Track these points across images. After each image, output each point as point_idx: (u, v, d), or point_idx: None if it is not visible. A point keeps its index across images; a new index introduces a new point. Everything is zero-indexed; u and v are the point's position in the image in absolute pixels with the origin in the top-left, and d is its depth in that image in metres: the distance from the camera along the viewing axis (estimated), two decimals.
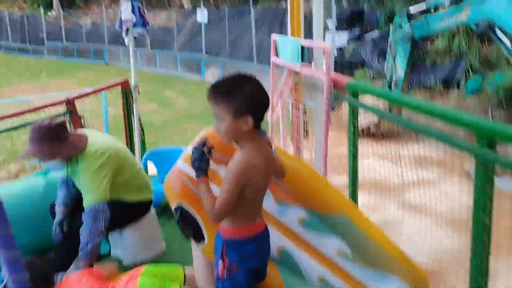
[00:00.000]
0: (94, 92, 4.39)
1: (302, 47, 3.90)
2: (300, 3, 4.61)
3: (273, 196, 2.34)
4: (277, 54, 4.65)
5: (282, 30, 13.78)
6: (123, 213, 3.12)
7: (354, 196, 3.27)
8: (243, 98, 1.77)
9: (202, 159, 1.85)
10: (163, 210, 4.02)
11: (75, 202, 2.96)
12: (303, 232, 2.40)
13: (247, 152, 1.83)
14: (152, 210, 3.41)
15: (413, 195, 5.77)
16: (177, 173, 2.26)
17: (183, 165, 2.27)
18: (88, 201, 2.75)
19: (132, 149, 4.95)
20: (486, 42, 8.81)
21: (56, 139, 2.72)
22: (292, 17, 4.76)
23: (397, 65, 7.91)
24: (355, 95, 3.21)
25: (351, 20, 11.70)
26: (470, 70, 8.63)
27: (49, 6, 24.81)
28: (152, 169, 4.64)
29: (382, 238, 2.50)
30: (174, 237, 3.64)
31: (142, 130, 5.59)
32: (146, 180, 3.23)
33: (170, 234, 3.68)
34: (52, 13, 24.44)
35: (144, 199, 3.19)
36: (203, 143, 1.88)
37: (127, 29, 4.47)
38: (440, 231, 4.96)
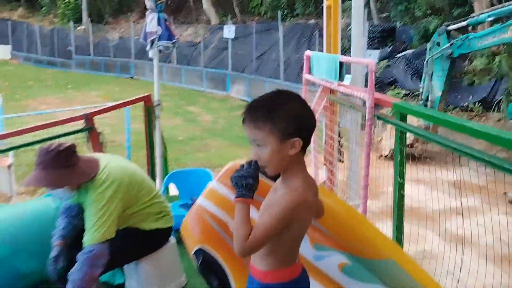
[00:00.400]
0: (114, 107, 4.12)
1: (341, 64, 3.57)
2: (338, 18, 4.30)
3: (310, 239, 1.98)
4: (310, 71, 4.35)
5: (310, 47, 13.51)
6: (139, 242, 2.81)
7: (399, 231, 2.90)
8: (289, 117, 1.48)
9: (255, 177, 1.51)
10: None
11: (75, 235, 2.65)
12: (345, 280, 2.05)
13: (300, 184, 1.52)
14: (172, 239, 3.08)
15: (454, 224, 5.35)
16: (198, 212, 1.94)
17: (205, 202, 1.94)
18: (90, 239, 2.44)
19: (153, 166, 4.66)
20: None
21: (64, 165, 2.43)
22: (328, 33, 4.46)
23: (434, 85, 7.50)
24: (403, 117, 2.85)
25: (382, 37, 11.33)
26: (511, 91, 8.15)
27: (78, 20, 25.14)
28: (173, 191, 4.33)
29: (431, 283, 2.15)
30: (195, 269, 3.31)
31: (165, 147, 5.32)
32: (165, 205, 2.91)
33: (192, 265, 3.34)
34: (81, 28, 24.75)
35: (163, 226, 2.87)
36: (255, 162, 1.54)
37: (152, 42, 4.22)
38: (485, 265, 4.53)
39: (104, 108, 4.15)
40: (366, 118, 3.02)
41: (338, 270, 2.05)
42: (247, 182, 1.50)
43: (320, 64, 4.00)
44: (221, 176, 2.05)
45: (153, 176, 4.55)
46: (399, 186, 2.85)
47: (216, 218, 1.82)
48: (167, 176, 4.16)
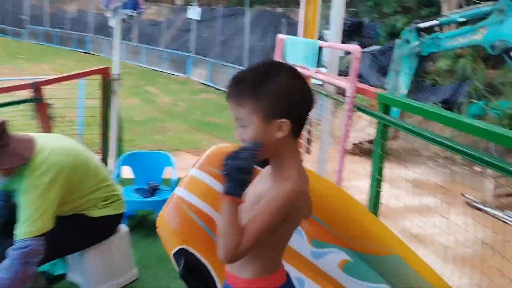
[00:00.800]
0: (68, 78, 3.73)
1: (320, 50, 3.34)
2: (317, 2, 4.08)
3: (306, 234, 1.73)
4: (282, 57, 4.11)
5: (276, 36, 13.26)
6: (85, 231, 2.50)
7: None
8: (276, 93, 1.25)
9: (250, 169, 1.21)
10: (138, 225, 3.39)
11: (8, 219, 2.30)
12: (346, 279, 1.84)
13: (294, 172, 1.28)
14: (123, 227, 2.77)
15: (412, 223, 5.30)
16: (178, 205, 1.64)
17: (185, 194, 1.65)
18: (24, 233, 2.10)
19: (106, 146, 4.29)
20: (496, 67, 8.43)
21: None
22: (306, 18, 4.23)
23: (400, 82, 7.44)
24: (386, 109, 2.65)
25: (349, 32, 11.22)
26: (473, 94, 8.20)
27: None
28: (128, 174, 3.99)
29: (439, 280, 1.97)
30: (149, 261, 3.01)
31: (122, 127, 4.95)
32: (115, 189, 2.60)
33: (145, 257, 3.05)
34: None
35: (112, 213, 2.57)
36: (258, 145, 1.25)
37: (115, 9, 3.84)
38: (441, 265, 4.48)
39: (56, 78, 3.76)
40: (346, 109, 2.81)
41: (339, 268, 1.83)
42: (243, 178, 1.20)
43: (295, 49, 3.77)
44: (203, 163, 1.76)
45: (106, 157, 4.19)
46: (377, 183, 2.66)
47: (201, 213, 1.54)
48: (121, 158, 3.82)
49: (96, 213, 2.48)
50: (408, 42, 7.30)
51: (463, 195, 6.15)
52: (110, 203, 2.54)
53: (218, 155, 1.62)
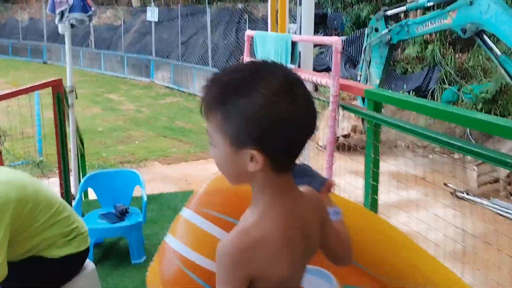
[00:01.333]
0: (14, 94, 3.31)
1: (293, 44, 3.04)
2: None
3: (336, 279, 1.34)
4: (251, 54, 3.81)
5: (238, 33, 12.94)
6: (45, 275, 2.13)
7: None
8: (246, 111, 0.92)
9: None
10: (106, 255, 3.01)
11: None
12: None
13: (258, 213, 0.97)
14: (90, 264, 2.40)
15: (397, 220, 5.09)
16: (168, 258, 1.29)
17: (177, 245, 1.30)
18: None
19: (65, 165, 3.88)
20: (464, 50, 8.33)
21: None
22: (273, 10, 3.93)
23: (372, 72, 7.22)
24: (377, 107, 2.37)
25: (314, 23, 10.99)
26: (444, 80, 8.09)
27: None
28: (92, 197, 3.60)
29: None
30: None
31: (81, 141, 4.54)
32: (74, 221, 2.23)
33: None
34: None
35: (75, 251, 2.20)
36: None
37: (62, 14, 3.44)
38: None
39: (1, 95, 3.34)
40: (330, 109, 2.51)
41: None
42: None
43: (266, 45, 3.47)
44: (197, 202, 1.36)
45: (66, 178, 3.78)
46: (372, 190, 2.38)
47: (199, 269, 1.20)
48: (84, 179, 3.42)
49: (56, 253, 2.12)
50: (377, 30, 7.09)
51: (446, 185, 5.99)
52: (72, 239, 2.18)
53: (215, 193, 1.28)
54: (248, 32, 3.82)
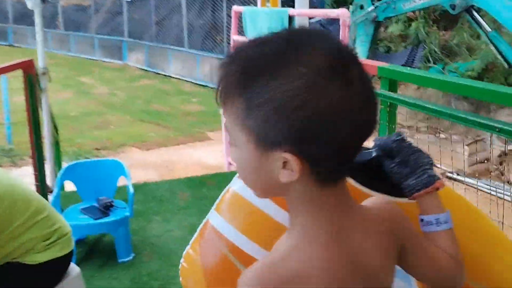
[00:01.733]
0: None
1: (290, 19, 2.78)
2: None
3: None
4: (240, 32, 3.54)
5: (215, 12, 12.53)
6: (24, 283, 1.87)
7: None
8: (277, 99, 0.66)
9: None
10: (90, 253, 2.74)
11: None
12: None
13: (290, 243, 0.75)
14: (74, 268, 2.13)
15: None
16: (211, 242, 1.02)
17: (221, 224, 1.02)
18: None
19: (40, 154, 3.56)
20: (448, 28, 8.20)
21: None
22: None
23: (358, 51, 7.00)
24: (392, 86, 2.15)
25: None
26: (429, 58, 7.95)
27: None
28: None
29: None
30: None
31: (56, 128, 4.21)
32: (56, 222, 1.97)
33: None
34: None
35: (58, 255, 1.94)
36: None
37: None
38: None
39: None
40: None
41: None
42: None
43: (258, 22, 3.19)
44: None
45: (40, 168, 3.46)
46: None
47: (241, 253, 0.95)
48: (62, 171, 3.11)
49: (36, 258, 1.86)
50: (362, 7, 6.87)
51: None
52: (53, 242, 1.91)
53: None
54: (236, 8, 3.54)
